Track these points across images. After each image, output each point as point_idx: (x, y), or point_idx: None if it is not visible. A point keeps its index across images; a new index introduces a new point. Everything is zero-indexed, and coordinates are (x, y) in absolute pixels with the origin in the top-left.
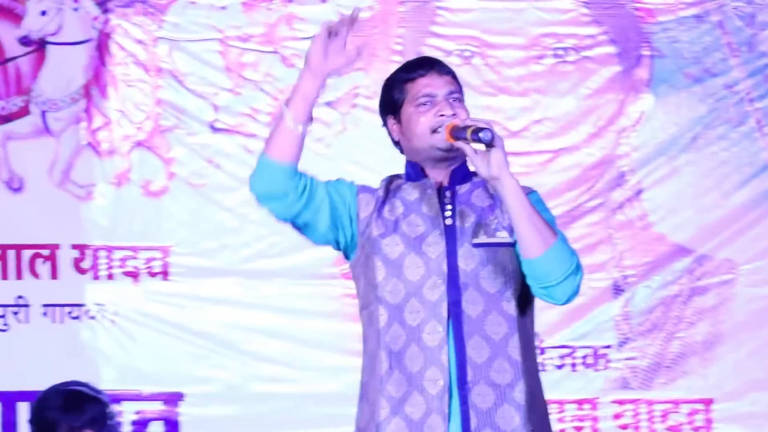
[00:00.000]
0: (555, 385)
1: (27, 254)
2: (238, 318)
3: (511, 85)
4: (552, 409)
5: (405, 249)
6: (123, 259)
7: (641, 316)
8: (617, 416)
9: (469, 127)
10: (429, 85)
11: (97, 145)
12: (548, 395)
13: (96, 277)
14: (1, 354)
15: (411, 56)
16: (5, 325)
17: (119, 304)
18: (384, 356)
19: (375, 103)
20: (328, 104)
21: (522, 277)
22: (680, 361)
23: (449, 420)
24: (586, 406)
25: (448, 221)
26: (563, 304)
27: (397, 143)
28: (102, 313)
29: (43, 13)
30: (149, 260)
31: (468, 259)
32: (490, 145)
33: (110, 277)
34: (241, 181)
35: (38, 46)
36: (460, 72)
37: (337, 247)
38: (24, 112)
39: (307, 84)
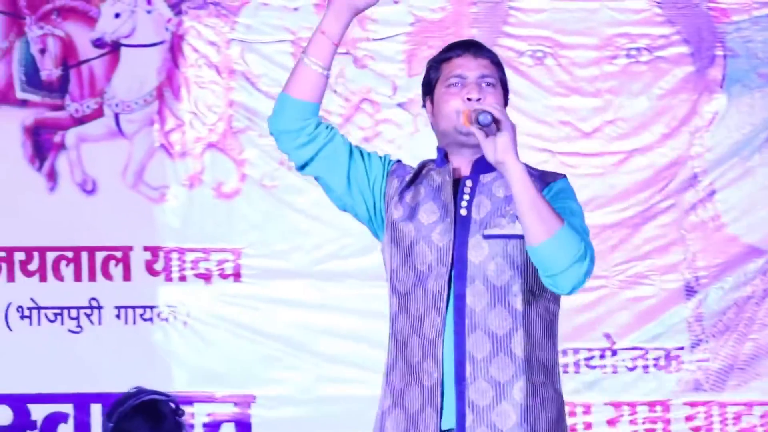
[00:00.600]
0: (627, 387)
1: (100, 256)
2: (309, 320)
3: (583, 85)
4: (624, 411)
5: (416, 236)
6: (195, 261)
7: (714, 318)
8: (689, 418)
9: (476, 111)
10: (461, 66)
11: (170, 147)
12: (620, 397)
13: (168, 279)
14: (75, 356)
15: None
16: (78, 326)
17: (191, 306)
18: (392, 346)
19: None
20: (400, 105)
21: (532, 271)
22: (753, 363)
23: (441, 415)
24: (658, 408)
25: (463, 211)
26: (569, 293)
27: (432, 125)
28: (174, 315)
29: (117, 15)
30: (221, 262)
31: (477, 251)
32: (497, 129)
33: (182, 279)
34: (313, 183)
35: (112, 49)
36: (532, 72)
37: (360, 219)
38: (97, 114)
39: (329, 21)
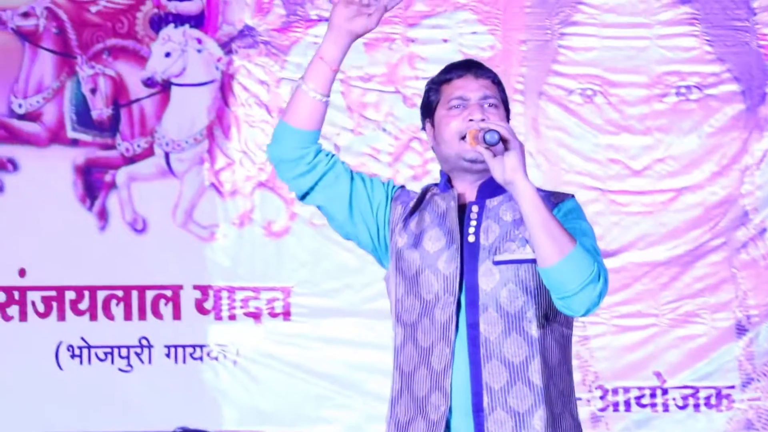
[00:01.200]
0: (678, 426)
1: (150, 295)
2: (359, 358)
3: (633, 123)
4: None
5: (421, 264)
6: (245, 300)
7: (765, 356)
8: None
9: (482, 130)
10: (462, 87)
11: (220, 185)
12: None
13: (218, 318)
14: (125, 395)
15: (532, 96)
16: (129, 365)
17: (241, 345)
18: (396, 377)
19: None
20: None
21: (545, 295)
22: None
23: None
24: None
25: (471, 237)
26: (582, 315)
27: (433, 149)
28: (224, 354)
29: (168, 54)
30: (271, 300)
31: (488, 278)
32: (505, 148)
33: (232, 317)
34: None
35: (162, 88)
36: (582, 111)
37: (364, 247)
38: (148, 153)
39: (327, 47)
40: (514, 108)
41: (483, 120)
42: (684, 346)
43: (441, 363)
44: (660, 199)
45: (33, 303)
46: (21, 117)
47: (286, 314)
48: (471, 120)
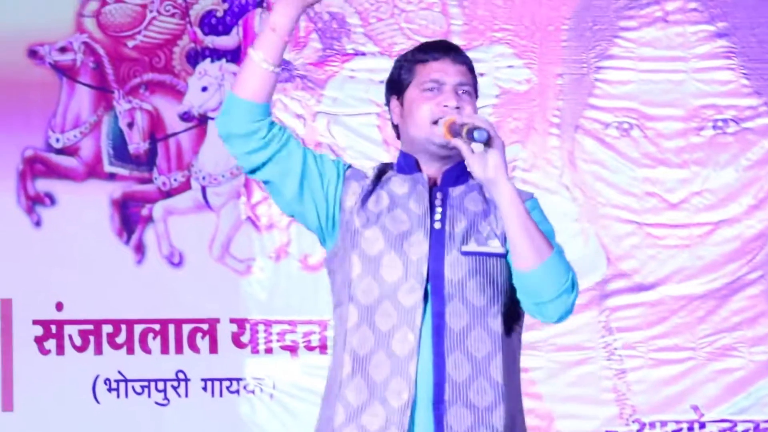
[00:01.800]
0: None
1: (187, 328)
2: None
3: (670, 156)
4: None
5: (385, 246)
6: (281, 333)
7: None
8: None
9: (466, 124)
10: (440, 70)
11: (257, 219)
12: None
13: (255, 351)
14: (162, 428)
15: (568, 129)
16: (165, 399)
17: (277, 378)
18: (347, 359)
19: (533, 176)
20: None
21: (511, 292)
22: None
23: None
24: None
25: (437, 224)
26: (555, 322)
27: (395, 127)
28: (260, 387)
29: (204, 89)
30: (307, 334)
31: (455, 268)
32: (487, 144)
33: (269, 351)
34: None
35: (199, 122)
36: (618, 144)
37: (309, 226)
38: (185, 187)
39: (278, 17)
40: (550, 141)
41: (458, 107)
42: (721, 380)
43: (404, 349)
44: (697, 232)
45: (70, 337)
46: (58, 151)
47: (323, 347)
48: (445, 106)
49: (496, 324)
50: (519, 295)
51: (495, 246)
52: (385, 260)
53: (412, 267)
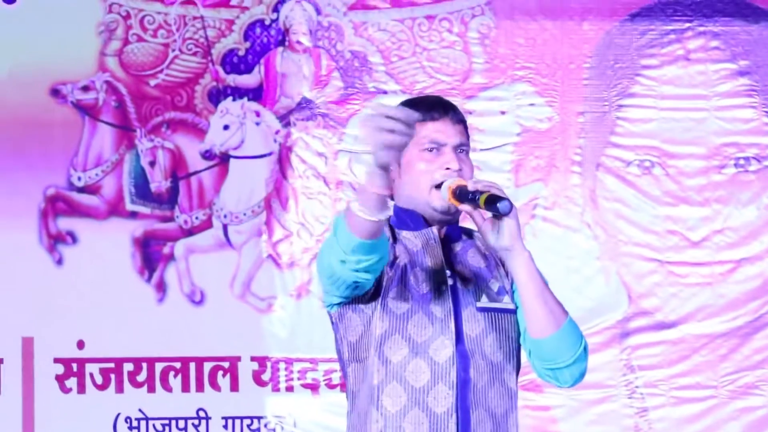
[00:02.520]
0: None
1: (207, 366)
2: None
3: (691, 194)
4: None
5: (412, 305)
6: (302, 371)
7: None
8: None
9: (480, 192)
10: (440, 131)
11: (278, 257)
12: None
13: (276, 389)
14: None
15: (590, 167)
16: None
17: (298, 417)
18: (377, 416)
19: (555, 214)
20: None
21: (519, 351)
22: None
23: None
24: None
25: (449, 281)
26: (569, 387)
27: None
28: (281, 426)
29: (226, 127)
30: (328, 372)
31: (473, 324)
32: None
33: (290, 389)
34: None
35: (221, 160)
36: (640, 182)
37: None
38: (206, 225)
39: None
40: (572, 179)
41: (460, 170)
42: (743, 419)
43: (442, 406)
44: (719, 270)
45: (91, 375)
46: (80, 190)
47: (344, 386)
48: (447, 168)
49: (512, 380)
50: (533, 360)
51: (507, 302)
52: (414, 319)
53: (440, 324)
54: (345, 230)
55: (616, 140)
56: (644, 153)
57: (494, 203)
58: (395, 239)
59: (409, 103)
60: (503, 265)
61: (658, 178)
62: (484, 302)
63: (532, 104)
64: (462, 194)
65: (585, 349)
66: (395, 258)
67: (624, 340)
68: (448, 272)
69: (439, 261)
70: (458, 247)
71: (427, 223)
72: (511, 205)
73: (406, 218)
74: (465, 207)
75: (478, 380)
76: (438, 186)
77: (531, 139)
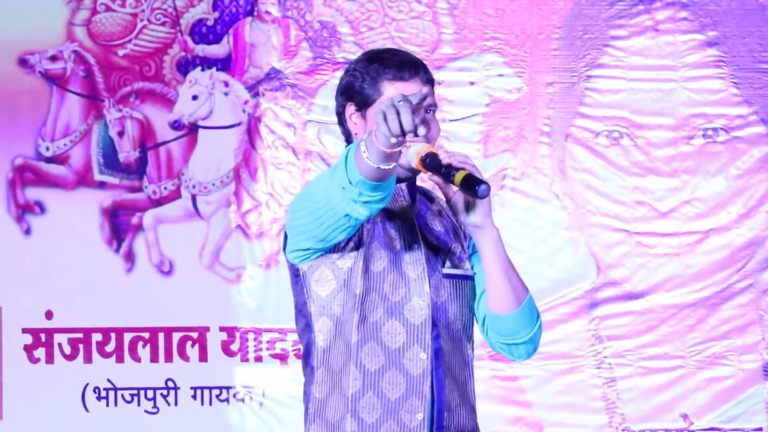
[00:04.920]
0: None
1: (176, 337)
2: None
3: (660, 165)
4: None
5: (388, 264)
6: (271, 342)
7: None
8: None
9: (456, 169)
10: (410, 91)
11: (247, 228)
12: None
13: (244, 360)
14: None
15: (558, 138)
16: (155, 407)
17: (267, 387)
18: (356, 374)
19: (523, 185)
20: None
21: (473, 319)
22: None
23: None
24: None
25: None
26: (522, 360)
27: (348, 133)
28: (250, 396)
29: (195, 97)
30: (297, 342)
31: (440, 290)
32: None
33: (258, 359)
34: None
35: (189, 131)
36: (608, 153)
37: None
38: (175, 195)
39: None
40: (540, 150)
41: (428, 132)
42: (711, 388)
43: (418, 368)
44: (687, 241)
45: (60, 345)
46: (48, 160)
47: None
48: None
49: (469, 349)
50: (488, 332)
51: (467, 268)
52: (389, 278)
53: (414, 285)
54: (353, 163)
55: (584, 111)
56: (613, 124)
57: (472, 185)
58: None
59: (378, 59)
60: (461, 230)
61: (626, 148)
62: (449, 268)
63: (500, 75)
64: (433, 165)
65: (540, 326)
66: None
67: (592, 311)
68: (419, 230)
69: (411, 220)
70: (415, 209)
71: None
72: (489, 188)
73: None
74: (435, 179)
75: (446, 348)
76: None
77: (500, 110)
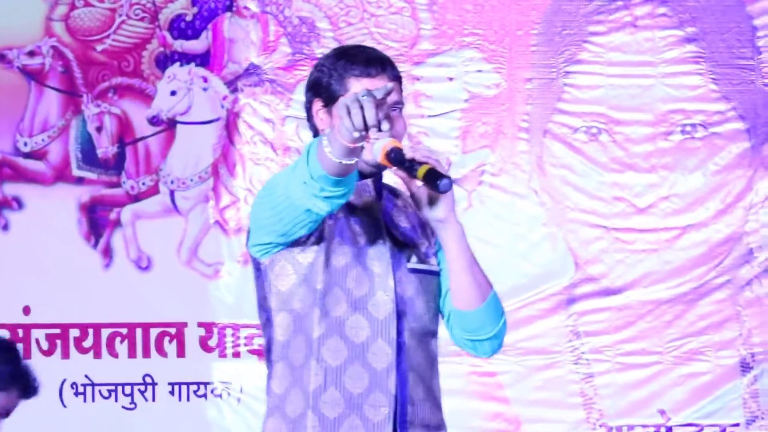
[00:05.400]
0: None
1: (154, 332)
2: None
3: (638, 161)
4: None
5: (351, 259)
6: (249, 337)
7: None
8: None
9: (419, 163)
10: (374, 88)
11: (225, 223)
12: None
13: (222, 356)
14: None
15: (537, 134)
16: (132, 403)
17: (245, 383)
18: (318, 370)
19: (502, 181)
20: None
21: (438, 315)
22: None
23: None
24: None
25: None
26: (486, 357)
27: (315, 132)
28: (228, 392)
29: (173, 93)
30: None
31: (405, 285)
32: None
33: (236, 355)
34: None
35: (168, 126)
36: (587, 149)
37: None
38: (153, 191)
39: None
40: (519, 146)
41: (392, 129)
42: (688, 384)
43: (382, 362)
44: (665, 237)
45: (37, 341)
46: (26, 155)
47: None
48: (380, 130)
49: (434, 345)
50: (453, 329)
51: (433, 264)
52: (353, 273)
53: (378, 280)
54: (315, 158)
55: (563, 107)
56: (591, 120)
57: (434, 179)
58: None
59: (345, 55)
60: (428, 226)
61: (605, 144)
62: (414, 263)
63: (479, 71)
64: (397, 159)
65: (505, 322)
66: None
67: (570, 307)
68: (385, 227)
69: (376, 215)
70: (383, 204)
71: (361, 175)
72: (451, 183)
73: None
74: (400, 174)
75: (410, 342)
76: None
77: (478, 106)
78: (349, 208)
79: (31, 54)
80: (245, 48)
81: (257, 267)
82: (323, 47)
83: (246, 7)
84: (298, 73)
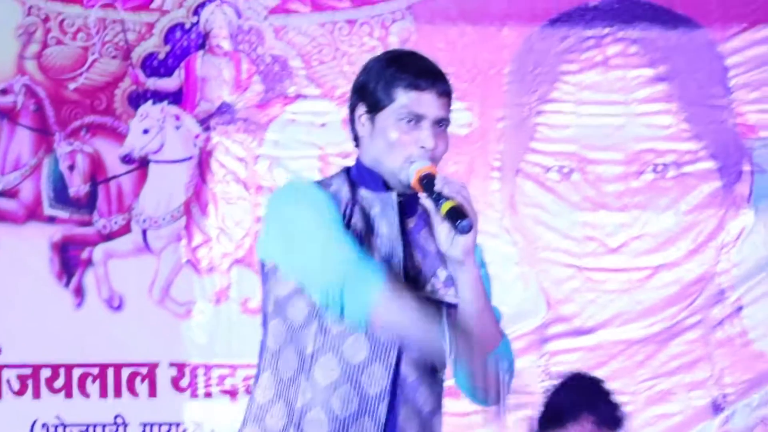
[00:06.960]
0: None
1: (126, 372)
2: None
3: (610, 200)
4: None
5: None
6: (221, 377)
7: None
8: None
9: (445, 198)
10: (422, 104)
11: (197, 262)
12: None
13: (194, 396)
14: None
15: (509, 173)
16: None
17: (217, 423)
18: (308, 387)
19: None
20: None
21: None
22: None
23: None
24: None
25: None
26: (484, 405)
27: (356, 133)
28: None
29: (146, 131)
30: (247, 378)
31: None
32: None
33: (208, 395)
34: None
35: (140, 165)
36: (559, 188)
37: None
38: (125, 230)
39: None
40: (491, 185)
41: (434, 148)
42: (660, 425)
43: (376, 386)
44: (636, 276)
45: (8, 381)
46: None
47: None
48: (422, 147)
49: (438, 379)
50: (457, 373)
51: (451, 295)
52: None
53: None
54: (370, 313)
55: (535, 146)
56: (563, 159)
57: (454, 218)
58: (354, 198)
59: (396, 62)
60: None
61: (577, 183)
62: (428, 292)
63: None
64: (427, 187)
65: (513, 370)
66: (349, 219)
67: (542, 346)
68: (401, 245)
69: (394, 230)
70: (412, 222)
71: (387, 187)
72: (471, 226)
73: (368, 177)
74: (426, 202)
75: (408, 375)
76: (410, 161)
77: (451, 144)
78: (368, 220)
79: (4, 92)
80: (218, 86)
81: (262, 267)
82: (296, 85)
83: (218, 46)
84: (270, 112)
